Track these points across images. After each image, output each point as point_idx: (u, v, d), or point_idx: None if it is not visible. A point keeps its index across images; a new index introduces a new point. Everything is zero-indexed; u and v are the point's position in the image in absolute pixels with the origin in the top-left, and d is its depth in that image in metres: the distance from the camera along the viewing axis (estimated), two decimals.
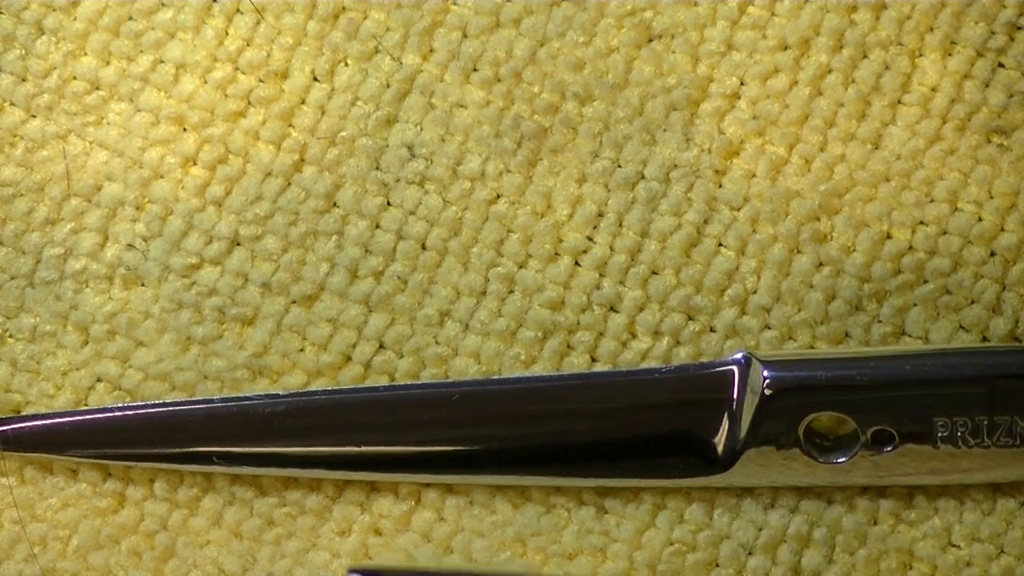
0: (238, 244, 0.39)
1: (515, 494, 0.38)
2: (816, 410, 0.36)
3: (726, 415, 0.36)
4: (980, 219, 0.38)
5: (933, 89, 0.38)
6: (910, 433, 0.36)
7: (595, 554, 0.37)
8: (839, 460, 0.36)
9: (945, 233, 0.38)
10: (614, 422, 0.37)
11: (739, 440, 0.36)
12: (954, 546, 0.37)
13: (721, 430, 0.36)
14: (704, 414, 0.37)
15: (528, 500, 0.38)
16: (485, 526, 0.38)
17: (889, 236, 0.38)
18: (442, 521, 0.38)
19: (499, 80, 0.39)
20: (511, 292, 0.38)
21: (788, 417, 0.36)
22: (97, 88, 0.39)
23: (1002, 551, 0.37)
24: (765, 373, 0.36)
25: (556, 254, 0.39)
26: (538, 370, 0.38)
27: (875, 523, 0.37)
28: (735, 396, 0.36)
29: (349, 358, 0.38)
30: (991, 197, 0.38)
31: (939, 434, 0.36)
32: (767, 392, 0.36)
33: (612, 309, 0.38)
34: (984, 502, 0.37)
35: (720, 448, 0.36)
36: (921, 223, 0.38)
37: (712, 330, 0.38)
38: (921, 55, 0.39)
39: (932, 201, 0.38)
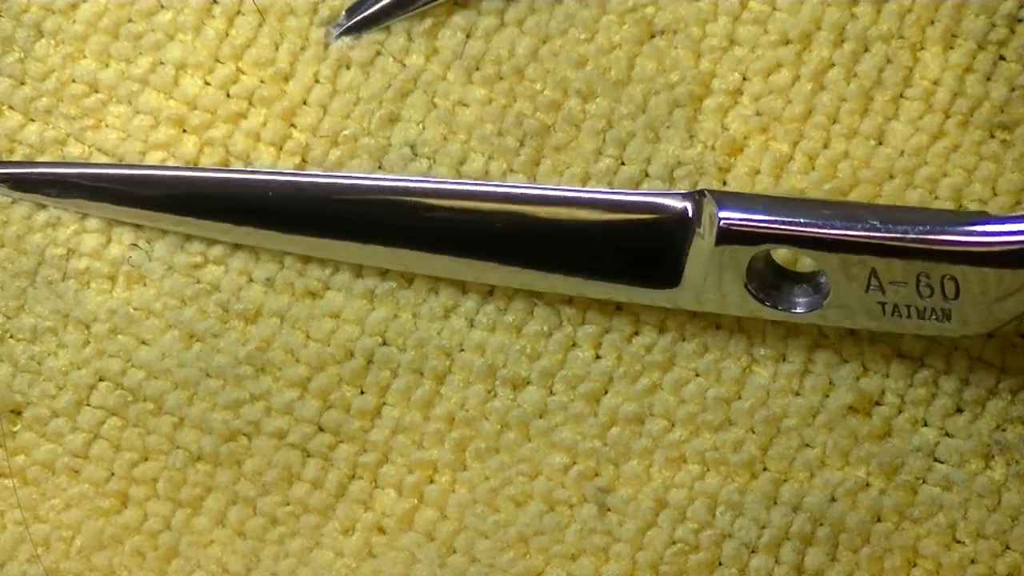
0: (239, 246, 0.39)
1: (518, 492, 0.38)
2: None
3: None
4: None
5: (935, 83, 0.38)
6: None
7: (597, 554, 0.37)
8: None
9: None
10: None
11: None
12: (959, 543, 0.37)
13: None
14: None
15: (531, 498, 0.38)
16: (488, 525, 0.38)
17: None
18: (445, 519, 0.38)
19: (501, 78, 0.39)
20: (516, 292, 0.38)
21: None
22: (96, 91, 0.39)
23: (1007, 547, 0.37)
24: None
25: None
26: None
27: (879, 520, 0.37)
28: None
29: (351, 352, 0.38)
30: (995, 194, 0.38)
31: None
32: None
33: None
34: (988, 498, 0.37)
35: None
36: None
37: (718, 327, 0.38)
38: (922, 48, 0.39)
39: (937, 199, 0.38)
